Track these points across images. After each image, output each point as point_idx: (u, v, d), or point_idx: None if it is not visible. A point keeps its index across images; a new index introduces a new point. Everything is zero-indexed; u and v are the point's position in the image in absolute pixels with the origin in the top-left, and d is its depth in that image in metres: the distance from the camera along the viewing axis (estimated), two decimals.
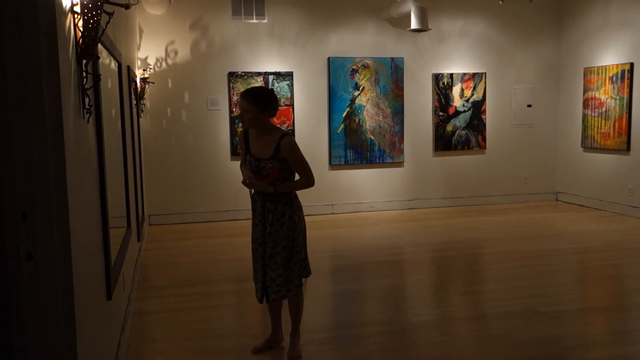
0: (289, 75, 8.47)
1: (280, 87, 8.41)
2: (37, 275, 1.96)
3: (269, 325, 3.96)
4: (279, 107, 8.27)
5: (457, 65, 9.19)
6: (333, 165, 8.78)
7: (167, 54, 8.12)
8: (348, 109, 8.76)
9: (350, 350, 3.91)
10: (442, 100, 9.13)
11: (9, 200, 1.92)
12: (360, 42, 8.78)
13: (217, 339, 4.07)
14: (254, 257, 3.73)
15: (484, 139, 9.37)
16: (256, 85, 8.22)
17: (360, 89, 8.77)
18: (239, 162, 3.89)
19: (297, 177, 3.71)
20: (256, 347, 3.83)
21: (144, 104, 7.78)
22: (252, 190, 3.70)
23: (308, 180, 3.66)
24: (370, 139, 8.87)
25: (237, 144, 8.28)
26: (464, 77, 9.17)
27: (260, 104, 3.52)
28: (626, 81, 8.20)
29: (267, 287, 3.64)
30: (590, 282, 5.60)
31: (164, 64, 8.12)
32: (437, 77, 9.08)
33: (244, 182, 3.68)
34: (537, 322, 4.30)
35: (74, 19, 2.38)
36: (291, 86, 8.48)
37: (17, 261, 1.94)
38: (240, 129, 3.84)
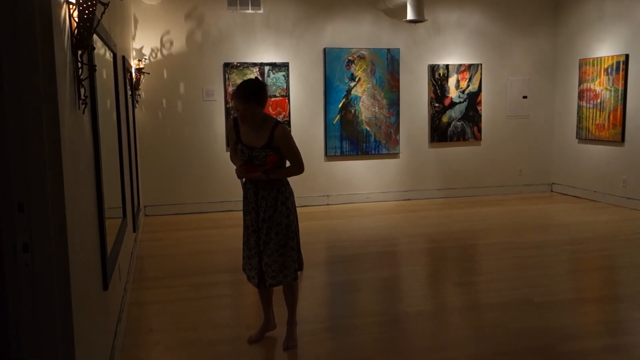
0: (284, 66, 8.45)
1: (276, 78, 8.40)
2: (33, 265, 1.97)
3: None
4: (276, 98, 8.36)
5: (453, 57, 9.18)
6: (329, 156, 8.79)
7: (162, 45, 8.09)
8: (344, 100, 8.75)
9: (345, 340, 3.94)
10: (438, 91, 9.13)
11: (5, 191, 1.92)
12: (356, 33, 8.76)
13: (212, 329, 4.09)
14: (245, 244, 3.75)
15: (480, 130, 9.38)
16: (250, 76, 8.20)
17: (356, 80, 8.77)
18: (229, 154, 3.89)
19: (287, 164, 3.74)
20: (251, 338, 3.84)
21: (139, 95, 7.76)
22: (244, 179, 3.73)
23: (298, 167, 3.70)
24: (366, 130, 8.88)
25: None
26: (460, 69, 9.17)
27: (252, 101, 3.53)
28: (621, 73, 8.21)
29: (263, 272, 3.66)
30: (584, 273, 5.64)
31: (159, 54, 8.09)
32: (433, 69, 9.07)
33: (237, 174, 3.70)
34: (531, 313, 4.34)
35: (69, 9, 2.37)
36: (287, 77, 8.47)
37: (14, 252, 1.94)
38: (230, 120, 3.83)
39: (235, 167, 3.74)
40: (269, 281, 3.67)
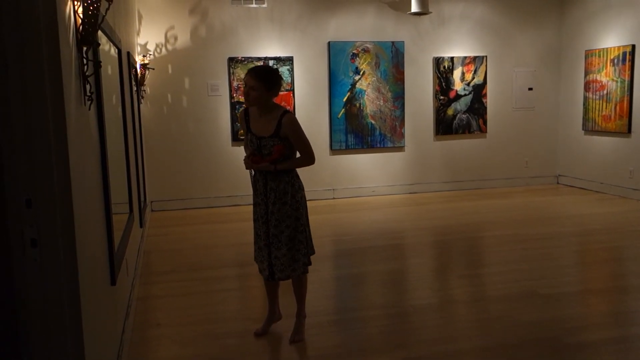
0: (289, 60, 8.45)
1: (280, 72, 8.37)
2: (41, 261, 1.98)
3: None
4: (280, 92, 8.34)
5: (457, 49, 9.15)
6: (334, 150, 8.79)
7: (166, 40, 8.09)
8: (349, 93, 8.74)
9: (352, 333, 3.95)
10: (443, 84, 9.10)
11: (13, 187, 1.94)
12: (361, 26, 8.74)
13: (219, 323, 4.11)
14: (256, 236, 3.76)
15: (485, 123, 9.35)
16: None
17: (361, 73, 8.75)
18: (243, 146, 3.89)
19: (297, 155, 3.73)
20: (258, 331, 3.87)
21: (144, 90, 7.78)
22: (253, 170, 3.72)
23: (308, 158, 3.66)
24: (371, 123, 8.87)
25: (237, 130, 8.28)
26: (465, 61, 9.13)
27: (267, 82, 3.54)
28: (627, 63, 8.16)
29: (273, 265, 3.67)
30: (590, 265, 5.63)
31: (163, 49, 8.10)
32: (437, 61, 9.04)
33: (245, 164, 3.70)
34: (537, 305, 4.34)
35: (74, 5, 2.38)
36: (291, 71, 8.46)
37: (22, 247, 1.96)
38: (241, 110, 3.84)
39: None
40: (278, 274, 3.67)
